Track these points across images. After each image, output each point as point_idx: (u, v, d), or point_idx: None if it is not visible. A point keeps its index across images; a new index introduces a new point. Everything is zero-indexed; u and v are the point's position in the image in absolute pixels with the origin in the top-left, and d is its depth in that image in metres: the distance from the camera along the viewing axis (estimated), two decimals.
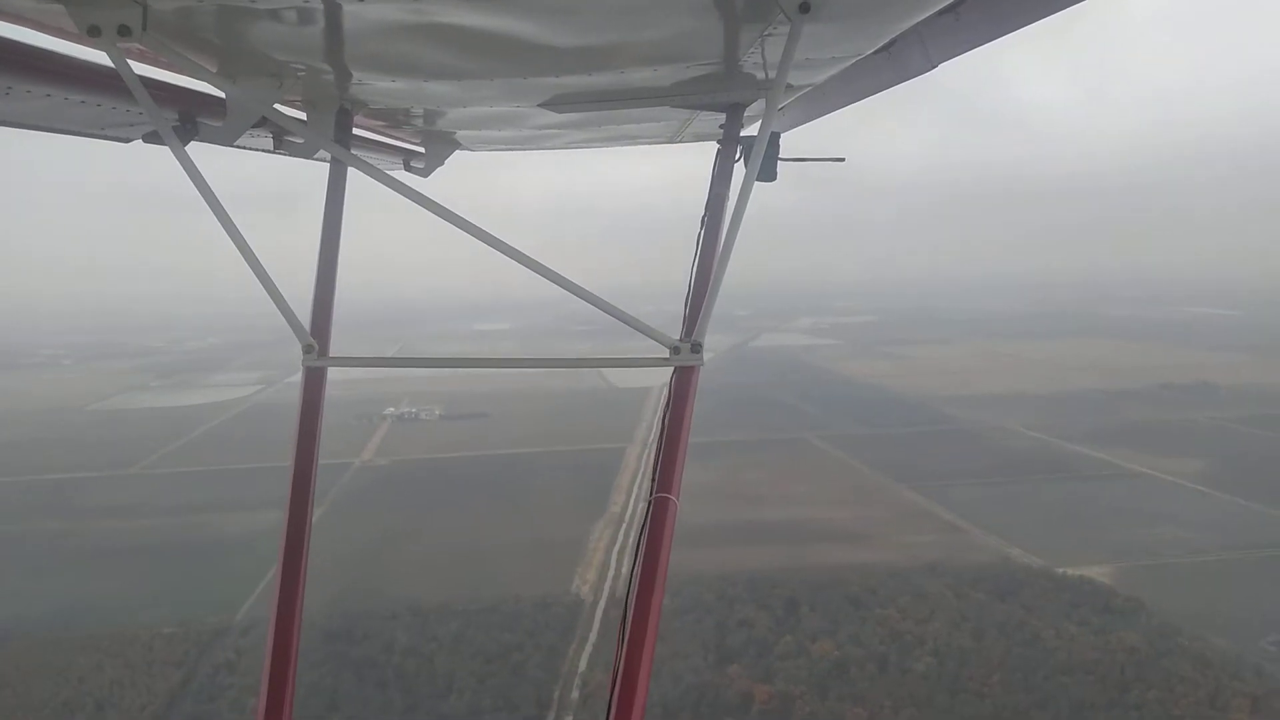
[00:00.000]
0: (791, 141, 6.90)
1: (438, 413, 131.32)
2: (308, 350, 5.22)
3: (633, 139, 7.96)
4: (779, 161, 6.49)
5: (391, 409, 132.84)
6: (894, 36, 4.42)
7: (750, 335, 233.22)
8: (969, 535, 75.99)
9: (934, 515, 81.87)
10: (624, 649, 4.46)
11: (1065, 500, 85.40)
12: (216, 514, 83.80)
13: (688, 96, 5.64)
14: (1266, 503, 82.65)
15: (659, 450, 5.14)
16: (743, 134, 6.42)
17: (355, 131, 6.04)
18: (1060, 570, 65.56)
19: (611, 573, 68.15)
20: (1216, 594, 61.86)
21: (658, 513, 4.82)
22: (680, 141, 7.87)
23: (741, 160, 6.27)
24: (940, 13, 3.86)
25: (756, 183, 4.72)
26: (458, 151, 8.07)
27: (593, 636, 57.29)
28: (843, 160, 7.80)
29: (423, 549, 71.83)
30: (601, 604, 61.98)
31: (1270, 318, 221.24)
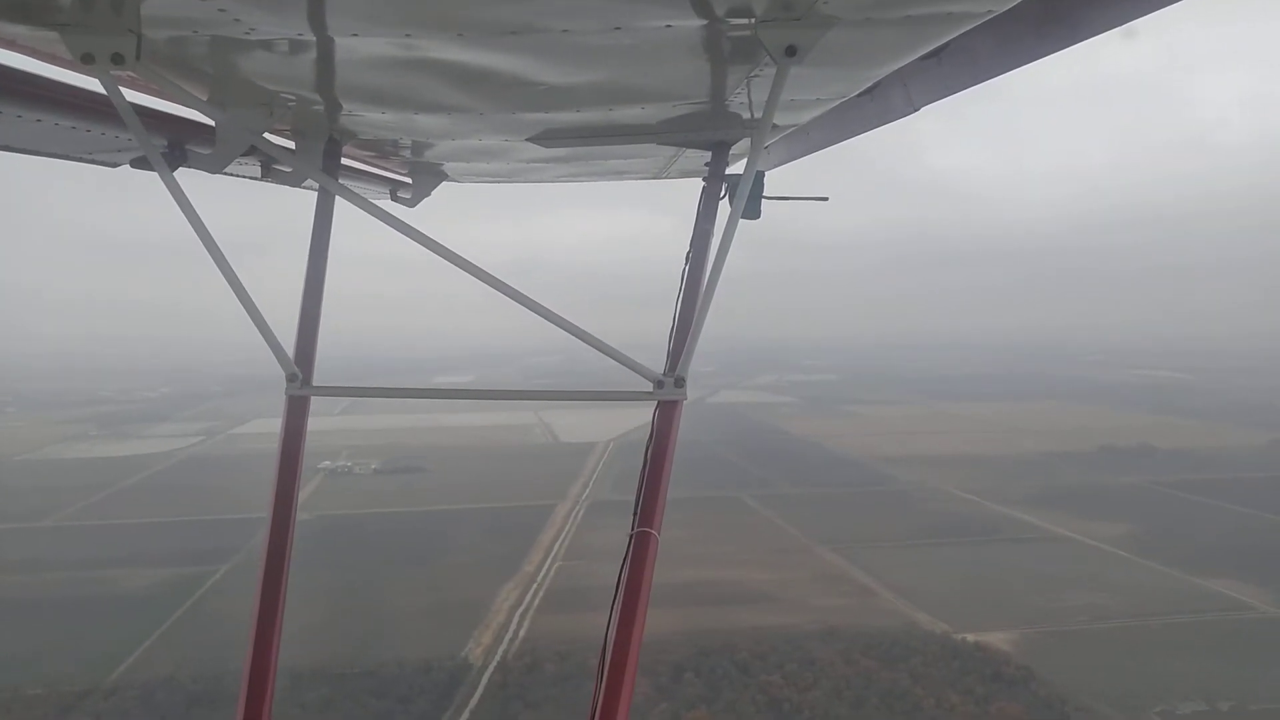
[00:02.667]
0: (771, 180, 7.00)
1: (373, 467, 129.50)
2: (291, 379, 5.26)
3: (619, 174, 8.11)
4: (763, 200, 6.50)
5: (327, 462, 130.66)
6: (878, 80, 4.50)
7: (709, 391, 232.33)
8: (879, 599, 75.10)
9: (849, 578, 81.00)
10: (603, 686, 4.50)
11: (984, 564, 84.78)
12: (119, 569, 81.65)
13: (674, 134, 5.78)
14: (1184, 568, 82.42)
15: (641, 484, 5.20)
16: (728, 172, 6.59)
17: (343, 161, 6.09)
18: (960, 636, 64.74)
19: (509, 635, 66.74)
20: (1117, 662, 61.17)
21: (639, 547, 4.86)
22: (666, 177, 8.03)
23: (726, 198, 6.38)
24: (923, 58, 3.96)
25: (741, 220, 4.76)
26: (444, 183, 8.15)
27: (473, 703, 55.81)
28: (826, 200, 7.73)
29: (316, 609, 69.79)
30: (490, 669, 60.53)
31: (1222, 381, 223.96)
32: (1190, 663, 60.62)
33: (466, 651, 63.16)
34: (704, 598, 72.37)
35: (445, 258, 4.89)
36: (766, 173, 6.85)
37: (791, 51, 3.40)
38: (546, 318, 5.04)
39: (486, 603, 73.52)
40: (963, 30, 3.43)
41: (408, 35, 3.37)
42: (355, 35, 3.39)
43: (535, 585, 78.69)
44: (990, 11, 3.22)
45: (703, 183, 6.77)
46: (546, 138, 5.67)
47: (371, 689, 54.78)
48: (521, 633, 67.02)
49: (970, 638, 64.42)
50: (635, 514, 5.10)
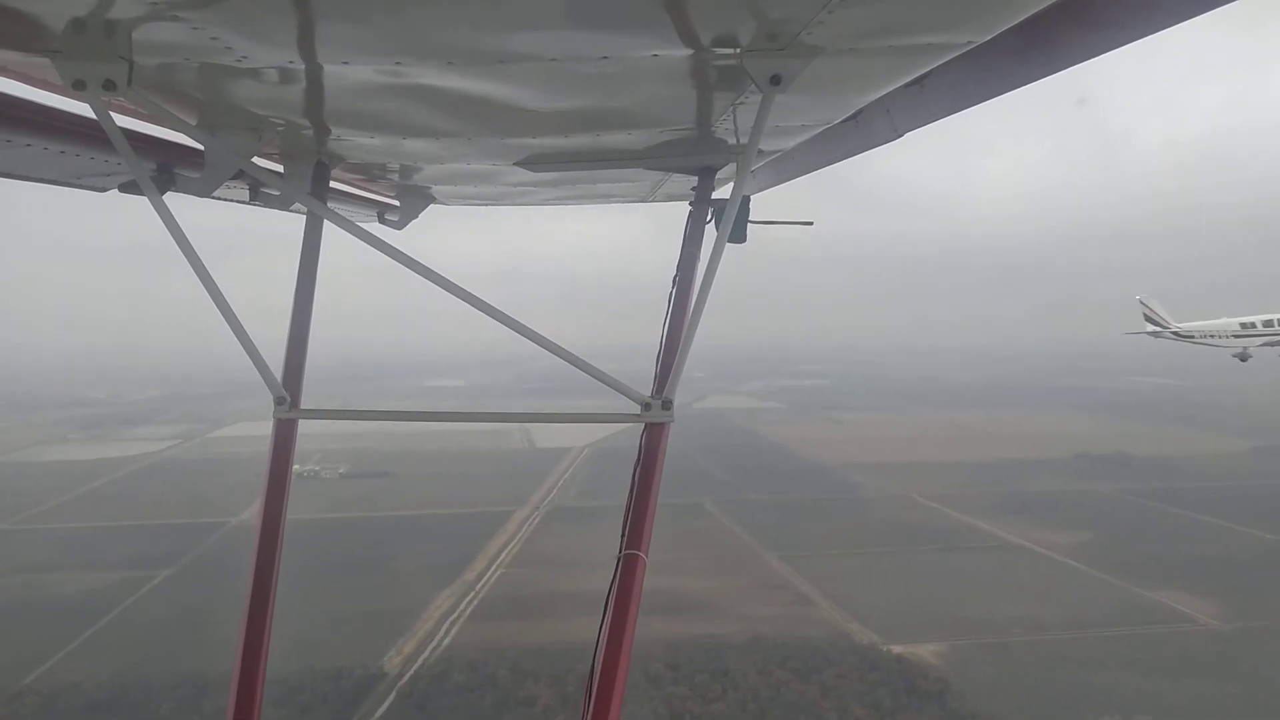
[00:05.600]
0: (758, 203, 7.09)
1: (340, 471, 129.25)
2: (279, 402, 5.33)
3: (606, 198, 8.29)
4: (749, 224, 6.62)
5: (296, 466, 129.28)
6: (862, 107, 4.61)
7: (697, 397, 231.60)
8: (816, 609, 74.27)
9: (791, 586, 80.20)
10: (590, 709, 4.55)
11: (931, 573, 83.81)
12: (57, 574, 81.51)
13: (661, 159, 5.90)
14: (1132, 579, 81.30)
15: (629, 507, 5.24)
16: (714, 196, 6.65)
17: (331, 184, 6.17)
18: (886, 647, 63.88)
19: (432, 644, 66.21)
20: (1041, 675, 60.30)
21: (626, 570, 4.92)
22: (653, 201, 8.16)
23: (713, 222, 6.46)
24: (906, 85, 4.04)
25: (727, 244, 4.82)
26: (432, 206, 8.26)
27: (380, 712, 55.28)
28: (810, 224, 7.82)
29: (241, 613, 69.67)
30: (406, 678, 60.01)
31: (1215, 389, 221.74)
32: (1116, 676, 59.67)
33: (384, 660, 62.61)
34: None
35: (433, 280, 4.91)
36: (752, 196, 6.93)
37: (776, 80, 3.46)
38: (534, 340, 5.08)
39: (418, 610, 72.99)
40: (944, 60, 3.50)
41: (398, 63, 3.41)
42: (346, 63, 3.42)
43: (472, 593, 78.17)
44: (970, 42, 3.28)
45: (689, 207, 6.82)
46: (534, 162, 5.73)
47: (273, 697, 54.15)
48: (446, 642, 66.48)
49: (897, 649, 63.55)
50: (623, 536, 5.09)
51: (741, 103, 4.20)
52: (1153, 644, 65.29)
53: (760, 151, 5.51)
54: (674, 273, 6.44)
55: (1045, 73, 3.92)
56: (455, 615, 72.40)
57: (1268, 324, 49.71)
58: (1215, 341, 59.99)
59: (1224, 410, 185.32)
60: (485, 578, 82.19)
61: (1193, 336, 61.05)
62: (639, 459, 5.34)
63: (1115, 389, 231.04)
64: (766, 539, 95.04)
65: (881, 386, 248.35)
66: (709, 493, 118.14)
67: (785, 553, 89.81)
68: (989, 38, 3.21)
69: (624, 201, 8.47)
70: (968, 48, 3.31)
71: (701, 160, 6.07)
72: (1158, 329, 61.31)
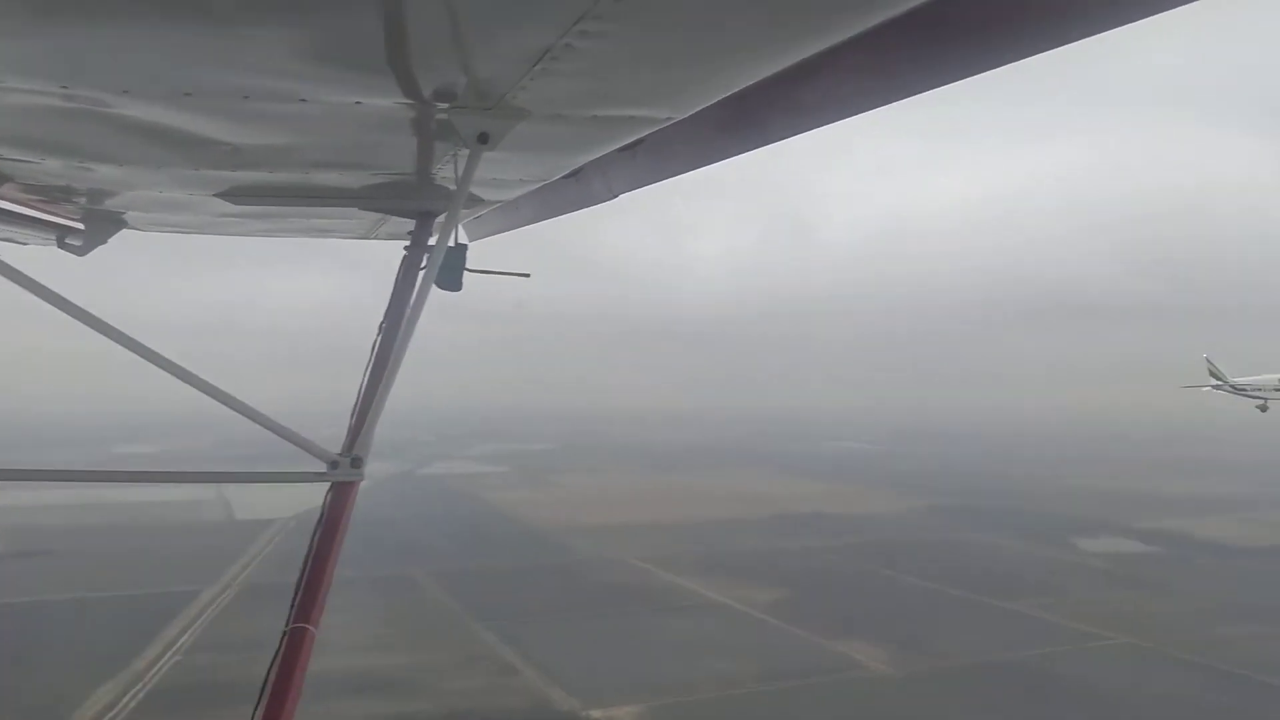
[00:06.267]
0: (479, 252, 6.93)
1: None
2: None
3: (322, 233, 7.99)
4: (466, 273, 6.23)
5: None
6: (579, 166, 4.81)
7: (420, 463, 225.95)
8: (520, 678, 72.74)
9: (496, 657, 78.22)
10: None
11: (637, 634, 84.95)
12: None
13: (377, 200, 5.94)
14: (820, 632, 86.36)
15: (303, 574, 5.12)
16: (432, 241, 6.38)
17: (2, 205, 5.74)
18: (586, 713, 63.57)
19: None
20: None
21: (292, 645, 4.87)
22: (374, 239, 7.84)
23: (427, 268, 6.29)
24: (621, 150, 4.17)
25: (443, 292, 4.98)
26: (124, 231, 7.44)
27: None
28: (528, 275, 7.55)
29: None
30: None
31: (896, 450, 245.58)
32: None
33: None
34: (319, 690, 67.01)
35: (79, 318, 4.30)
36: (478, 243, 7.01)
37: (484, 138, 3.49)
38: (210, 393, 4.64)
39: (67, 710, 64.08)
40: (649, 131, 3.60)
41: (64, 87, 3.16)
42: (2, 85, 3.15)
43: (140, 684, 69.88)
44: (670, 118, 3.39)
45: (404, 251, 6.63)
46: (235, 195, 5.39)
47: None
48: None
49: (596, 714, 63.35)
50: (292, 607, 4.91)
51: (458, 154, 4.22)
52: (831, 692, 69.39)
53: (480, 200, 5.72)
54: (381, 320, 6.30)
55: (753, 145, 4.11)
56: (115, 710, 64.23)
57: None
58: (1262, 394, 75.60)
59: (905, 470, 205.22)
60: (157, 666, 73.83)
61: (1245, 390, 76.54)
62: (320, 521, 5.07)
63: (815, 453, 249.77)
64: (476, 609, 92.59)
65: (604, 449, 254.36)
66: (422, 563, 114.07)
67: (493, 622, 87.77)
68: (690, 114, 3.32)
69: (343, 238, 8.19)
70: (669, 122, 3.44)
71: (419, 205, 6.05)
72: (1219, 383, 76.38)
